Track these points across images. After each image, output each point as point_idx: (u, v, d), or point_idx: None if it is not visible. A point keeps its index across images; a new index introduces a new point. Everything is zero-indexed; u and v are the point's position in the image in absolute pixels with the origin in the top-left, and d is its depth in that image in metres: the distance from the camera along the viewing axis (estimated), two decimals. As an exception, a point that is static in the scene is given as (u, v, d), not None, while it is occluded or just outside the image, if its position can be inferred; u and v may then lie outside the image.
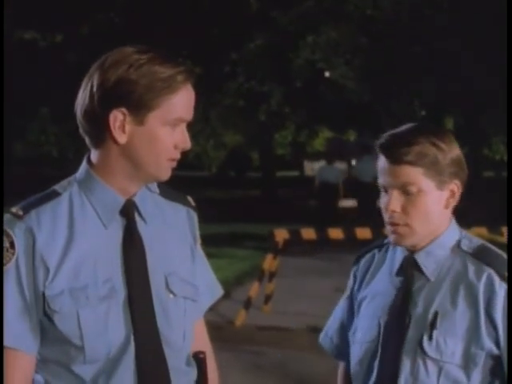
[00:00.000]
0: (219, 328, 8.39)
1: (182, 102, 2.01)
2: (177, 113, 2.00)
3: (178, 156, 2.04)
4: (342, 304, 2.56)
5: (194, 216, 2.21)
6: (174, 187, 2.20)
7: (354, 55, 20.56)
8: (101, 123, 1.99)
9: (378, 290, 2.40)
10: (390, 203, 2.27)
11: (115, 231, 2.04)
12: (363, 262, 2.50)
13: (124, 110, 1.97)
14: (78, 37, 21.70)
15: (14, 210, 2.02)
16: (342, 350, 2.54)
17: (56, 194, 2.05)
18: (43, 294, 1.98)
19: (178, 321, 2.10)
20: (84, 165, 2.08)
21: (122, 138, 1.99)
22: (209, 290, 2.26)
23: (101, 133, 2.00)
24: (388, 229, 2.31)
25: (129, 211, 2.06)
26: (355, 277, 2.51)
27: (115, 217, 2.05)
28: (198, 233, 2.22)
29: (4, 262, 1.98)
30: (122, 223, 2.05)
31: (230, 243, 16.60)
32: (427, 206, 2.27)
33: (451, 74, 19.39)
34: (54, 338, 2.00)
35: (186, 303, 2.12)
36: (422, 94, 20.57)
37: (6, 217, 2.01)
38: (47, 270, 1.98)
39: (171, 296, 2.08)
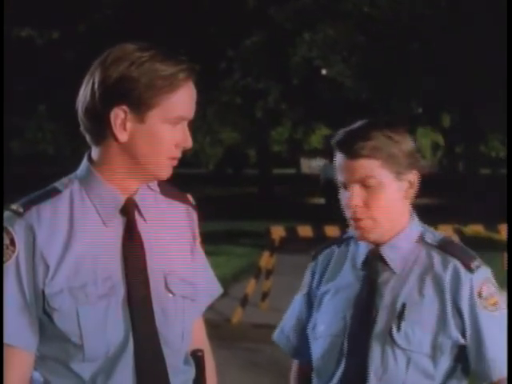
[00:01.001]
0: (216, 326, 8.39)
1: (182, 100, 2.01)
2: (177, 111, 2.00)
3: (178, 155, 2.04)
4: (298, 301, 2.58)
5: (194, 214, 2.20)
6: (172, 185, 2.20)
7: (351, 53, 20.55)
8: (102, 121, 1.98)
9: (340, 284, 2.42)
10: (352, 198, 2.30)
11: (115, 229, 2.04)
12: (321, 258, 2.52)
13: (125, 107, 1.97)
14: (76, 34, 21.69)
15: (14, 206, 2.02)
16: (298, 347, 2.56)
17: (56, 192, 2.05)
18: (43, 292, 1.97)
19: (177, 320, 2.09)
20: (85, 162, 2.07)
21: (122, 136, 1.99)
22: (208, 289, 2.26)
23: (102, 130, 2.00)
24: (352, 224, 2.34)
25: (129, 210, 2.05)
26: (313, 273, 2.53)
27: (115, 215, 2.04)
28: (197, 231, 2.21)
29: (4, 259, 1.97)
30: (122, 221, 2.05)
31: (227, 240, 16.60)
32: (388, 197, 2.31)
33: (449, 72, 19.41)
34: (52, 335, 2.00)
35: (185, 303, 2.11)
36: (419, 91, 20.57)
37: (6, 214, 2.01)
38: (47, 267, 1.98)
39: (170, 295, 2.08)
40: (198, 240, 2.22)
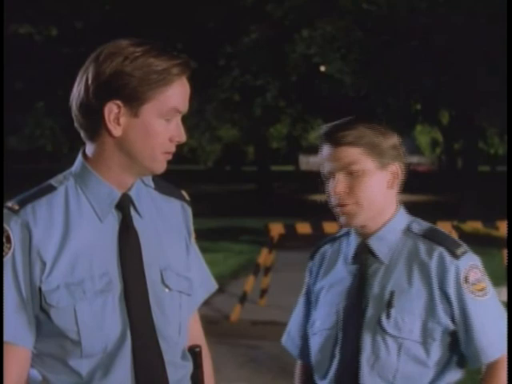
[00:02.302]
0: (215, 323, 8.40)
1: (176, 94, 2.01)
2: (171, 105, 2.00)
3: (173, 149, 2.04)
4: (300, 302, 2.64)
5: (188, 210, 2.21)
6: (170, 181, 2.20)
7: (350, 50, 20.54)
8: (96, 116, 1.99)
9: (334, 279, 2.48)
10: (337, 186, 2.38)
11: (111, 225, 2.04)
12: (317, 256, 2.59)
13: (119, 102, 1.97)
14: (75, 31, 21.67)
15: (9, 204, 2.02)
16: (303, 349, 2.60)
17: (52, 188, 2.05)
18: (39, 289, 1.98)
19: (174, 315, 2.10)
20: (79, 158, 2.07)
21: (116, 131, 1.99)
22: (203, 285, 2.27)
23: (96, 125, 2.00)
24: (337, 211, 2.40)
25: (124, 205, 2.06)
26: (311, 272, 2.60)
27: (111, 211, 2.04)
28: (192, 227, 2.22)
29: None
30: (118, 217, 2.05)
31: (226, 237, 16.63)
32: (371, 184, 2.37)
33: (448, 69, 19.41)
34: (50, 332, 2.00)
35: (181, 297, 2.12)
36: (418, 88, 20.57)
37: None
38: (44, 264, 1.98)
39: (166, 290, 2.08)
40: (193, 236, 2.23)
